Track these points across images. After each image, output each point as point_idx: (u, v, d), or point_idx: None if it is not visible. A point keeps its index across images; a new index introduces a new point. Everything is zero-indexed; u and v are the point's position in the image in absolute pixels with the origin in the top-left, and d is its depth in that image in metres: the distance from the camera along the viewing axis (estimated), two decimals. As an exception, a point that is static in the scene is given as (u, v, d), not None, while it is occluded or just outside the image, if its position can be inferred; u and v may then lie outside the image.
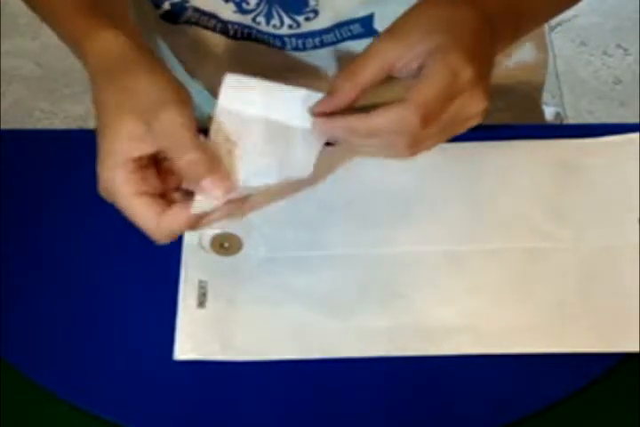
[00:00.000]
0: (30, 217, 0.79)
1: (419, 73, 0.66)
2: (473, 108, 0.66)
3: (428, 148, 0.67)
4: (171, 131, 0.64)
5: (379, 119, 0.65)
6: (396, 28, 0.67)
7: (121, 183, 0.65)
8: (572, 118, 1.87)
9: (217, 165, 0.64)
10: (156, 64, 0.68)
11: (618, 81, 1.96)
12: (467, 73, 0.65)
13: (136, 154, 0.65)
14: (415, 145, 0.66)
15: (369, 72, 0.66)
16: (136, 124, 0.64)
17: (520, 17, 0.74)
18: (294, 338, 0.72)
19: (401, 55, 0.66)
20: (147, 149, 0.65)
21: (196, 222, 0.66)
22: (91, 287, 0.75)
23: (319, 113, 0.67)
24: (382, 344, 0.71)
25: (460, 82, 0.65)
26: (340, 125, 0.66)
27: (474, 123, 0.68)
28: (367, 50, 0.67)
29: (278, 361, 0.71)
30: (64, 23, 0.73)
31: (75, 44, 0.71)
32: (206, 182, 0.63)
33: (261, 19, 0.84)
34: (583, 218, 0.78)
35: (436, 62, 0.65)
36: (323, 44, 0.86)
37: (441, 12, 0.67)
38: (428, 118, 0.64)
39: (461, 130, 0.68)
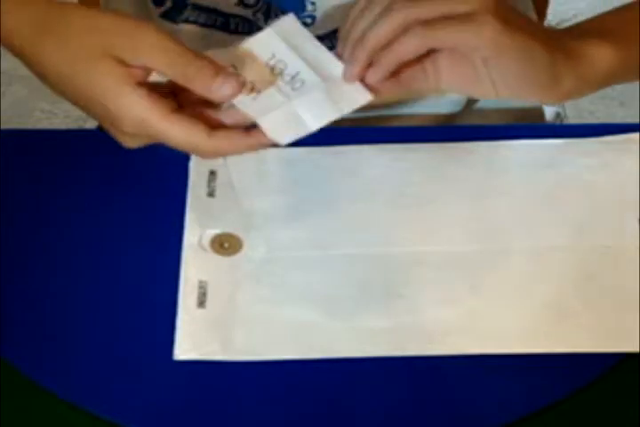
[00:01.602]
0: (30, 217, 0.79)
1: None
2: None
3: None
4: (163, 47, 0.61)
5: None
6: None
7: (148, 109, 0.61)
8: (571, 118, 1.87)
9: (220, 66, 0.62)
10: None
11: (618, 81, 1.96)
12: None
13: (137, 78, 0.61)
14: None
15: None
16: (117, 52, 0.61)
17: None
18: (294, 338, 0.72)
19: None
20: (140, 73, 0.62)
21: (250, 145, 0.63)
22: (91, 287, 0.75)
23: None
24: (382, 344, 0.71)
25: None
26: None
27: None
28: None
29: (278, 361, 0.71)
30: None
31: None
32: (218, 82, 0.61)
33: (260, 15, 0.85)
34: (583, 218, 0.78)
35: None
36: None
37: None
38: None
39: None
